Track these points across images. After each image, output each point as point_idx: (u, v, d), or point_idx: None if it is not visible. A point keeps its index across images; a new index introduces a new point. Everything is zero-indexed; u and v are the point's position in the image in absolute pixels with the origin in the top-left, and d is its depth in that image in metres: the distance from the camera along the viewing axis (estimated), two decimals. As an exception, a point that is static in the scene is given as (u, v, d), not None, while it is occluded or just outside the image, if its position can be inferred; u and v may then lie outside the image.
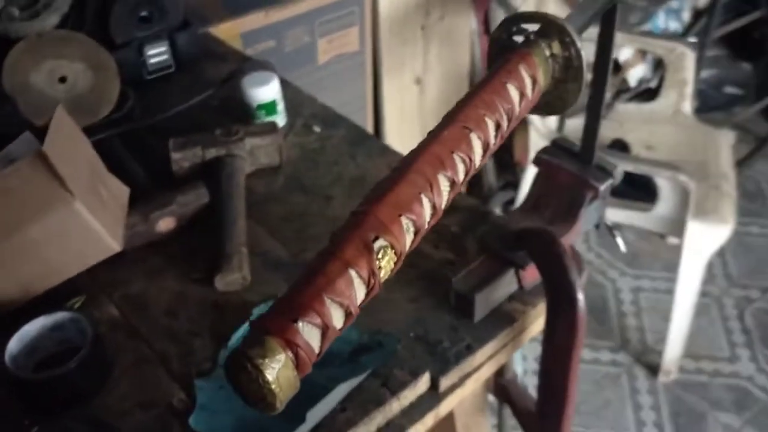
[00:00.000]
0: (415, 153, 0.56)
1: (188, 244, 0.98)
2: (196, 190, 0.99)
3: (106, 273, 0.93)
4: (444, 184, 0.55)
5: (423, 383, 0.79)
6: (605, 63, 0.80)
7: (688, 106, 2.15)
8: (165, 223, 0.97)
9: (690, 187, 1.60)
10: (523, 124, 2.35)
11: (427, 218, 0.54)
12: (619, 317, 2.21)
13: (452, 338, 0.82)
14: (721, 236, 1.77)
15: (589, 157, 0.86)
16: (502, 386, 0.99)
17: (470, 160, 0.57)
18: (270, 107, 1.15)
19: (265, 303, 0.88)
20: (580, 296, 0.74)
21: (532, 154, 1.90)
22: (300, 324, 0.46)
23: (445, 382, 0.79)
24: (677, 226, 1.72)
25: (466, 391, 0.82)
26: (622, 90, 2.11)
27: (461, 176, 0.57)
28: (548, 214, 0.87)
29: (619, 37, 2.05)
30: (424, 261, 0.92)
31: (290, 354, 0.45)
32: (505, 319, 0.85)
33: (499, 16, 1.74)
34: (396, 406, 0.77)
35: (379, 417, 0.76)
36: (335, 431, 0.74)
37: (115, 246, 0.88)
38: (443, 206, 0.56)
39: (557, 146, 0.89)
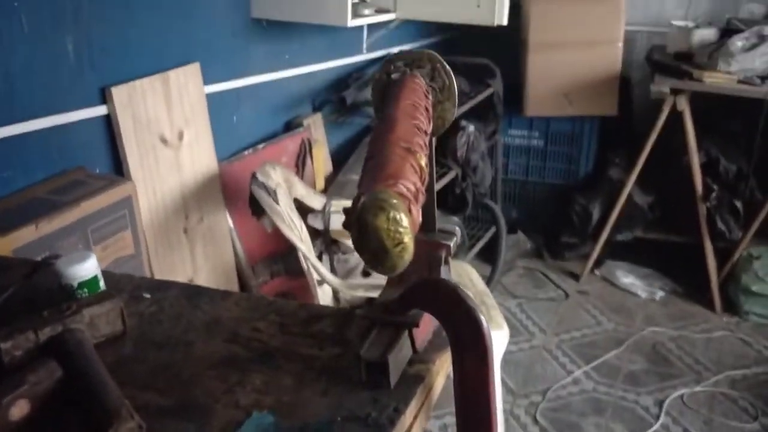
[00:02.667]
0: (389, 128, 0.64)
1: (51, 424, 0.85)
2: (47, 365, 0.88)
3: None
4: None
5: (371, 453, 0.77)
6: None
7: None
8: (19, 409, 0.84)
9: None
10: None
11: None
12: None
13: (378, 407, 0.83)
14: (504, 339, 1.99)
15: (433, 226, 0.99)
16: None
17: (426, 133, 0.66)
18: (92, 284, 1.09)
19: (173, 442, 0.79)
20: (486, 325, 0.82)
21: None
22: (400, 185, 0.50)
23: (390, 447, 0.79)
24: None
25: (407, 455, 0.82)
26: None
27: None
28: (414, 281, 0.96)
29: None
30: (316, 361, 0.93)
31: (404, 203, 0.48)
32: (414, 379, 0.88)
33: (262, 195, 1.89)
34: (356, 482, 0.74)
35: (345, 497, 0.72)
36: None
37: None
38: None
39: (401, 225, 1.01)
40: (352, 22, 2.22)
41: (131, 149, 1.88)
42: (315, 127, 2.64)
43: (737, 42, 2.85)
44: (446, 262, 1.00)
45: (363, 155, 2.86)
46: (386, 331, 0.90)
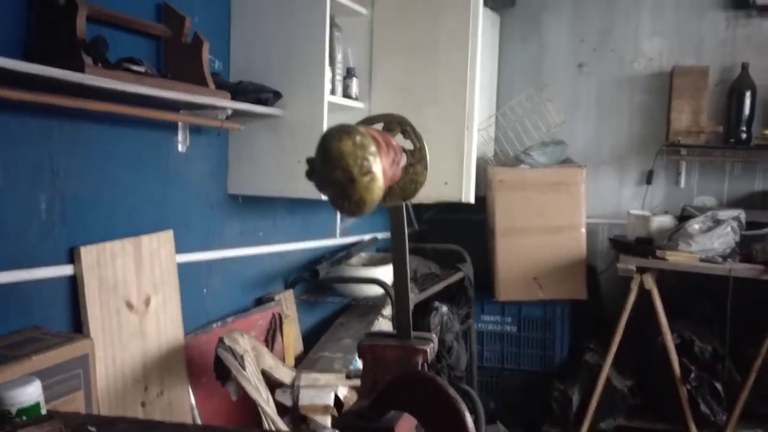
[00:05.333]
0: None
1: None
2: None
3: None
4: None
5: None
6: (402, 251, 0.95)
7: None
8: None
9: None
10: None
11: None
12: None
13: None
14: None
15: (408, 332, 0.94)
16: None
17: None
18: (33, 412, 0.99)
19: None
20: (469, 417, 0.75)
21: None
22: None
23: None
24: None
25: None
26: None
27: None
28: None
29: (331, 378, 2.22)
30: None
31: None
32: (391, 493, 0.78)
33: (228, 358, 1.79)
34: None
35: None
36: None
37: None
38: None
39: (373, 335, 0.95)
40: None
41: (94, 312, 1.82)
42: (287, 303, 2.60)
43: (695, 225, 2.99)
44: (425, 362, 0.93)
45: (336, 335, 2.76)
46: (359, 440, 0.81)
